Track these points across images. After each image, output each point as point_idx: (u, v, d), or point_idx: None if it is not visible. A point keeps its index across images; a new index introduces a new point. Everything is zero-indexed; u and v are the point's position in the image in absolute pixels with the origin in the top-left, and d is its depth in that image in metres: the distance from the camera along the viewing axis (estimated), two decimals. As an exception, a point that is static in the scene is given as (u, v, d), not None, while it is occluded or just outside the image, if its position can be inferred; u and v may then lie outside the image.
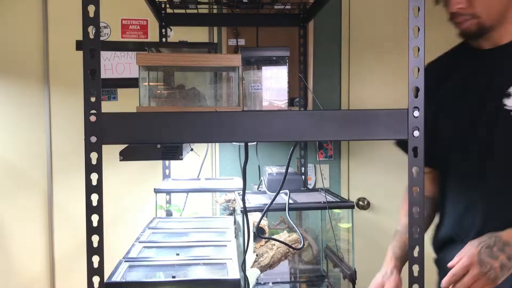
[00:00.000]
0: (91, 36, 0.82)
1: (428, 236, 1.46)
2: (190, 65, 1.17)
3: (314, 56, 2.45)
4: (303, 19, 1.93)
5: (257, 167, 1.89)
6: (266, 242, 1.56)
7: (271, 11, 1.89)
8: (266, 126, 0.87)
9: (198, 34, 2.38)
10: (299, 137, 0.92)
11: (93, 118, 0.83)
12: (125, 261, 1.18)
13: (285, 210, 1.48)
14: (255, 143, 1.83)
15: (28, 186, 2.39)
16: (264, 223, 1.59)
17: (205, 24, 2.24)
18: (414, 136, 0.87)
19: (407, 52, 0.86)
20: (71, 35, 2.28)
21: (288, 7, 1.85)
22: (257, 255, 1.51)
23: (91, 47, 0.82)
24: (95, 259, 0.84)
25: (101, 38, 1.44)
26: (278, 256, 1.53)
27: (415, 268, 0.87)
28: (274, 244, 1.54)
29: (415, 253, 0.87)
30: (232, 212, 1.81)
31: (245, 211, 1.36)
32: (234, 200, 1.78)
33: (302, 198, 1.61)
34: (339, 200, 1.60)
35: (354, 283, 1.42)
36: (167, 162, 2.04)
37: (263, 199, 1.61)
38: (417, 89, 0.86)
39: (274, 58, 1.46)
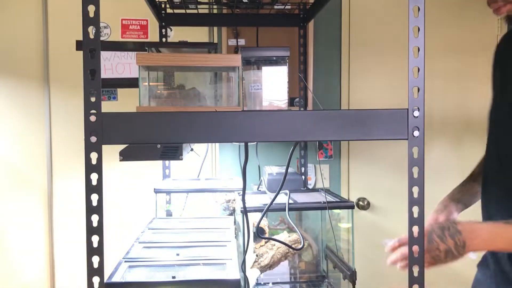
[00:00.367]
0: (91, 36, 0.82)
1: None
2: (190, 65, 1.16)
3: (314, 56, 2.45)
4: (303, 19, 1.93)
5: (257, 167, 1.89)
6: (266, 242, 1.56)
7: (271, 11, 1.89)
8: (266, 126, 0.87)
9: (198, 34, 2.38)
10: (299, 137, 0.92)
11: (93, 118, 0.83)
12: (125, 261, 1.18)
13: (285, 210, 1.48)
14: (255, 143, 1.83)
15: (28, 186, 2.39)
16: (264, 223, 1.59)
17: (205, 24, 2.24)
18: (414, 136, 0.87)
19: (407, 52, 0.86)
20: (71, 35, 2.27)
21: (288, 7, 1.85)
22: (257, 255, 1.51)
23: (91, 47, 0.82)
24: (95, 259, 0.84)
25: (101, 38, 1.43)
26: (278, 257, 1.53)
27: (415, 268, 0.87)
28: (274, 245, 1.54)
29: (415, 253, 0.87)
30: (232, 212, 1.81)
31: (245, 211, 1.36)
32: (234, 200, 1.78)
33: (302, 198, 1.61)
34: (339, 200, 1.60)
35: (354, 283, 1.42)
36: (167, 162, 2.03)
37: (263, 199, 1.61)
38: (417, 89, 0.86)
39: (274, 58, 1.45)
